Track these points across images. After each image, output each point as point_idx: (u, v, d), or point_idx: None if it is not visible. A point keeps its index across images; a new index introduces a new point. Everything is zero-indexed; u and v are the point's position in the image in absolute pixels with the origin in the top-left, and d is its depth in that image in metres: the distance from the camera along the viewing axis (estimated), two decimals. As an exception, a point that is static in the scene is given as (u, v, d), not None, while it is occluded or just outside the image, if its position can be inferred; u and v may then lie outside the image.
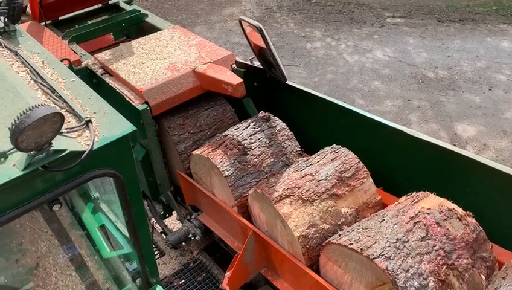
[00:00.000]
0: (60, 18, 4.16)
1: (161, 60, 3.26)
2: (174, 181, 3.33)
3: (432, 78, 6.82)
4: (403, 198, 2.27)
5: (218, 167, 2.68)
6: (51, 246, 2.54)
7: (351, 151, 2.57)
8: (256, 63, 3.28)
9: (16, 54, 1.77)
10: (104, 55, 3.37)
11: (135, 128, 1.39)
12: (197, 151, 2.87)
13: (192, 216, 3.22)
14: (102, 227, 2.31)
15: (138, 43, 3.49)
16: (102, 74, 3.26)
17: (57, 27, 4.07)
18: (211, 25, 8.88)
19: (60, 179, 1.27)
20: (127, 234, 1.92)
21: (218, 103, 3.26)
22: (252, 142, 2.86)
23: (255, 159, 2.77)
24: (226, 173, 2.68)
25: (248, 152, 2.79)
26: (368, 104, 6.36)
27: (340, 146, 2.63)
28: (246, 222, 2.57)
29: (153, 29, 3.93)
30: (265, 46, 2.81)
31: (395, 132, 2.56)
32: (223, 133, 2.99)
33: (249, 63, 3.30)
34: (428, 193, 2.22)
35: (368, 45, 7.77)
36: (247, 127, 2.94)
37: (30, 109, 1.09)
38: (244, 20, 2.85)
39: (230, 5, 9.62)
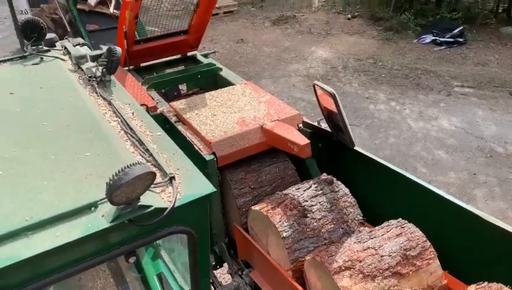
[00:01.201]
0: (141, 65, 4.45)
1: (231, 113, 3.37)
2: (229, 233, 3.33)
3: (501, 153, 6.50)
4: (473, 288, 2.11)
5: (277, 226, 2.66)
6: (106, 285, 2.59)
7: (417, 228, 2.46)
8: (324, 125, 3.30)
9: (109, 104, 1.90)
10: (179, 104, 3.54)
11: (215, 190, 1.43)
12: (256, 207, 2.87)
13: (244, 272, 3.18)
14: (159, 274, 2.33)
15: (211, 96, 3.64)
16: (175, 122, 3.41)
17: (138, 73, 4.35)
18: (276, 79, 9.14)
19: (140, 232, 1.32)
20: (184, 286, 1.93)
21: (280, 160, 3.28)
22: (313, 205, 2.82)
23: (315, 223, 2.72)
24: (284, 234, 2.64)
25: (308, 215, 2.75)
26: (430, 173, 6.14)
27: (406, 221, 2.53)
28: (300, 288, 2.49)
29: (225, 82, 4.10)
30: (336, 111, 2.83)
31: (464, 211, 2.43)
32: (283, 192, 2.97)
33: (316, 124, 3.33)
34: (503, 286, 2.06)
35: (433, 112, 7.61)
36: (308, 188, 2.91)
37: (128, 167, 1.16)
38: (318, 86, 2.91)
39: (296, 61, 9.90)
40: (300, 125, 3.27)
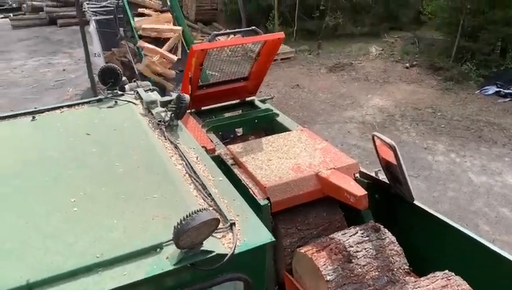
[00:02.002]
0: (202, 108, 4.65)
1: (287, 159, 3.40)
2: (277, 276, 3.29)
3: None
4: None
5: (321, 269, 2.63)
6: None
7: (465, 282, 2.34)
8: (382, 176, 3.25)
9: (176, 147, 2.01)
10: (236, 148, 3.63)
11: (274, 240, 1.45)
12: (302, 249, 2.85)
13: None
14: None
15: (268, 141, 3.71)
16: (232, 164, 3.49)
17: (198, 115, 4.54)
18: (330, 125, 9.14)
19: (199, 277, 1.35)
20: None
21: (329, 203, 3.25)
22: (358, 251, 2.77)
23: (359, 269, 2.67)
24: (328, 278, 2.61)
25: (353, 260, 2.71)
26: (493, 231, 5.76)
27: (453, 273, 2.41)
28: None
29: (282, 128, 4.18)
30: (395, 163, 2.79)
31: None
32: (329, 236, 2.95)
33: (373, 174, 3.28)
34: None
35: (497, 167, 7.24)
36: (354, 234, 2.88)
37: (195, 213, 1.21)
38: (378, 137, 2.90)
39: (351, 108, 9.88)
40: (357, 175, 3.24)
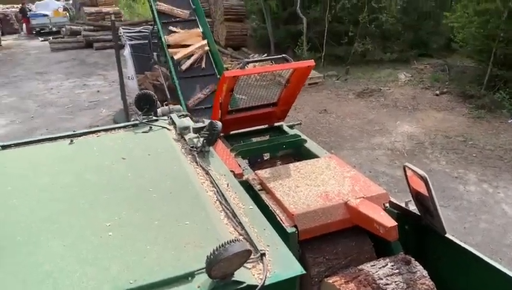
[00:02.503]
0: (230, 132, 4.71)
1: (315, 186, 3.38)
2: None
3: None
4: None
5: None
6: None
7: None
8: (412, 207, 3.19)
9: (207, 173, 2.04)
10: (263, 173, 3.64)
11: (304, 272, 1.44)
12: (330, 280, 2.80)
13: None
14: None
15: (296, 167, 3.71)
16: (259, 190, 3.50)
17: (227, 139, 4.60)
18: (358, 151, 9.06)
19: (230, 306, 1.36)
20: None
21: (358, 233, 3.20)
22: (388, 284, 2.69)
23: None
24: None
25: None
26: (529, 267, 5.51)
27: None
28: None
29: (310, 154, 4.17)
30: (427, 195, 2.74)
31: None
32: (358, 267, 2.88)
33: (403, 205, 3.23)
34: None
35: (532, 199, 6.98)
36: (384, 266, 2.80)
37: (228, 243, 1.23)
38: (409, 167, 2.86)
39: (380, 134, 9.78)
40: (387, 205, 3.19)
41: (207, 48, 7.60)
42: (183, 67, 7.42)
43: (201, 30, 7.84)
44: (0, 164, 2.16)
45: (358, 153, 8.93)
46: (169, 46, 7.43)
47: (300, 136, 4.43)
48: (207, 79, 7.42)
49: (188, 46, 7.48)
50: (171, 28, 7.66)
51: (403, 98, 11.99)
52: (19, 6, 26.44)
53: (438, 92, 12.10)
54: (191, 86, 7.36)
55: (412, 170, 2.83)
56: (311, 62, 4.17)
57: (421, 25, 15.44)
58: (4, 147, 2.33)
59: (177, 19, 7.74)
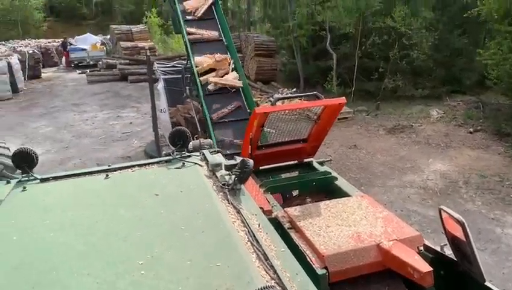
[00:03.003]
0: (260, 168, 4.71)
1: (346, 227, 3.31)
2: None
3: None
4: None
5: None
6: None
7: None
8: (448, 251, 3.06)
9: (238, 212, 2.03)
10: (293, 211, 3.60)
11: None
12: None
13: None
14: None
15: (326, 206, 3.65)
16: (288, 228, 3.45)
17: (256, 175, 4.60)
18: (389, 188, 8.86)
19: None
20: None
21: (390, 277, 3.08)
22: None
23: None
24: None
25: None
26: None
27: None
28: None
29: (341, 192, 4.11)
30: (464, 240, 2.63)
31: None
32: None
33: (438, 249, 3.10)
34: None
35: None
36: (419, 314, 2.68)
37: (263, 289, 1.21)
38: (444, 210, 2.77)
39: (411, 172, 9.57)
40: (421, 248, 3.08)
41: (239, 84, 7.75)
42: (210, 87, 7.65)
43: (233, 66, 8.02)
44: (39, 197, 2.22)
45: (390, 191, 8.74)
46: (200, 74, 7.72)
47: (330, 173, 4.39)
48: (232, 96, 7.65)
49: (215, 70, 7.82)
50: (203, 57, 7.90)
51: (435, 135, 11.76)
52: (61, 40, 27.89)
53: (471, 129, 11.82)
54: (216, 101, 7.57)
55: (448, 213, 2.73)
56: (343, 99, 4.17)
57: (454, 61, 15.30)
58: (43, 180, 2.40)
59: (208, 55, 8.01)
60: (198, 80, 7.72)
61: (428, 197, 8.37)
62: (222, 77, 7.80)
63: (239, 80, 7.82)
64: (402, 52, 14.55)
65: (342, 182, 4.29)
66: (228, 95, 7.64)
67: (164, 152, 3.45)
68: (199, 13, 8.60)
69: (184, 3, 8.83)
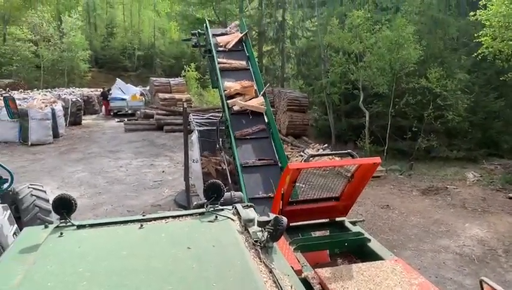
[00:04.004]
0: (290, 224, 4.63)
1: (380, 292, 3.18)
2: None
3: None
4: None
5: None
6: None
7: None
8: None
9: (270, 272, 1.99)
10: (324, 272, 3.49)
11: None
12: None
13: None
14: None
15: (359, 268, 3.53)
16: (318, 290, 3.34)
17: (286, 231, 4.52)
18: (423, 252, 8.49)
19: None
20: None
21: None
22: None
23: None
24: None
25: None
26: None
27: None
28: None
29: (373, 255, 3.97)
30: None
31: None
32: None
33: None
34: None
35: None
36: None
37: None
38: (486, 282, 2.62)
39: (446, 236, 9.17)
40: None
41: (262, 109, 8.28)
42: (235, 108, 8.16)
43: (267, 120, 8.18)
44: (74, 243, 2.26)
45: (423, 255, 8.35)
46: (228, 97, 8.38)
47: (363, 235, 4.27)
48: (256, 120, 8.14)
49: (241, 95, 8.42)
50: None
51: (472, 198, 11.35)
52: (101, 90, 29.34)
53: (511, 195, 11.35)
54: (241, 122, 8.06)
55: (490, 286, 2.58)
56: (378, 159, 4.14)
57: (490, 124, 15.04)
58: (79, 227, 2.45)
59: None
60: (226, 103, 8.25)
61: (464, 264, 7.95)
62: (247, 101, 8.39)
63: (263, 105, 8.34)
64: (437, 112, 14.46)
65: (375, 244, 4.16)
66: (252, 119, 8.15)
67: (195, 203, 3.47)
68: (230, 46, 9.49)
69: (217, 38, 9.60)
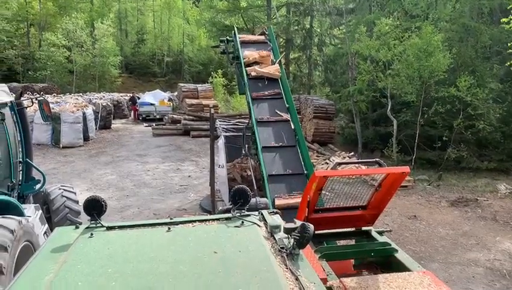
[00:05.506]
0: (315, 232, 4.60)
1: (406, 304, 3.11)
2: None
3: None
4: None
5: None
6: None
7: None
8: None
9: (296, 279, 1.98)
10: (349, 281, 3.45)
11: None
12: None
13: None
14: None
15: (385, 279, 3.47)
16: (344, 299, 3.30)
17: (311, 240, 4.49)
18: (451, 265, 8.26)
19: None
20: None
21: None
22: None
23: None
24: None
25: None
26: None
27: None
28: None
29: (400, 266, 3.89)
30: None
31: None
32: None
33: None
34: None
35: None
36: None
37: None
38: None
39: (476, 250, 8.90)
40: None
41: (277, 75, 9.17)
42: (252, 74, 9.09)
43: (294, 127, 8.20)
44: (103, 244, 2.31)
45: (451, 268, 8.13)
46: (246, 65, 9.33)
47: (390, 245, 4.19)
48: (272, 85, 9.10)
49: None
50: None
51: (504, 211, 10.98)
52: (130, 95, 29.96)
53: (545, 208, 10.95)
54: (258, 85, 9.03)
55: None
56: (407, 168, 4.07)
57: (524, 135, 14.57)
58: (109, 228, 2.51)
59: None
60: (244, 70, 9.16)
61: (495, 279, 7.69)
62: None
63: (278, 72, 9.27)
64: (467, 122, 14.10)
65: (402, 255, 4.08)
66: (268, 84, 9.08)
67: (220, 208, 3.50)
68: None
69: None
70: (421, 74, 14.25)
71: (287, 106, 8.68)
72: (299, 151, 7.90)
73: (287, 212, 6.57)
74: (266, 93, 8.91)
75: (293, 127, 8.19)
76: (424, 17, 16.54)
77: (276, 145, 7.87)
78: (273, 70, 9.26)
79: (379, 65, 15.83)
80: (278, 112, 8.57)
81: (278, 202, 6.95)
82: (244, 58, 9.38)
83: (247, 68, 9.26)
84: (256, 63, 9.39)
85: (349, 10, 22.65)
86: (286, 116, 8.48)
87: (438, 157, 14.65)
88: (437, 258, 8.52)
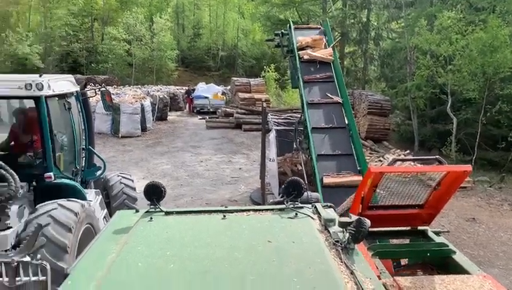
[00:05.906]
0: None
1: (464, 306, 2.99)
2: None
3: None
4: None
5: None
6: None
7: None
8: None
9: (351, 273, 1.95)
10: (404, 281, 3.36)
11: None
12: None
13: None
14: None
15: (442, 281, 3.35)
16: (397, 298, 3.22)
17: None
18: (513, 272, 7.80)
19: None
20: None
21: None
22: None
23: None
24: None
25: None
26: None
27: None
28: None
29: (458, 268, 3.74)
30: None
31: None
32: None
33: None
34: None
35: None
36: None
37: None
38: None
39: (542, 258, 8.34)
40: None
41: (329, 59, 9.24)
42: (305, 57, 9.23)
43: (347, 122, 8.10)
44: (162, 228, 2.40)
45: (513, 275, 7.69)
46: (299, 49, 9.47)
47: (448, 246, 4.03)
48: (324, 68, 9.20)
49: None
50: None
51: None
52: (185, 88, 30.70)
53: None
54: (309, 69, 9.13)
55: None
56: (468, 167, 3.89)
57: None
58: (167, 213, 2.60)
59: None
60: (297, 54, 9.30)
61: None
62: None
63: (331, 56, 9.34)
64: (535, 122, 13.20)
65: (460, 257, 3.91)
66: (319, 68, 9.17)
67: (270, 200, 3.51)
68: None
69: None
70: (485, 70, 13.48)
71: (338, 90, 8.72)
72: (352, 146, 7.78)
73: (335, 190, 6.62)
74: (318, 76, 8.94)
75: (347, 122, 8.07)
76: (490, 10, 15.61)
77: (326, 126, 7.88)
78: (326, 54, 9.31)
79: (439, 60, 15.13)
80: (329, 95, 8.56)
81: (326, 180, 6.99)
82: (297, 43, 9.51)
83: (299, 52, 9.35)
84: (308, 47, 9.54)
85: (409, 3, 21.81)
86: (337, 98, 8.41)
87: (500, 158, 13.85)
88: (497, 264, 8.08)
